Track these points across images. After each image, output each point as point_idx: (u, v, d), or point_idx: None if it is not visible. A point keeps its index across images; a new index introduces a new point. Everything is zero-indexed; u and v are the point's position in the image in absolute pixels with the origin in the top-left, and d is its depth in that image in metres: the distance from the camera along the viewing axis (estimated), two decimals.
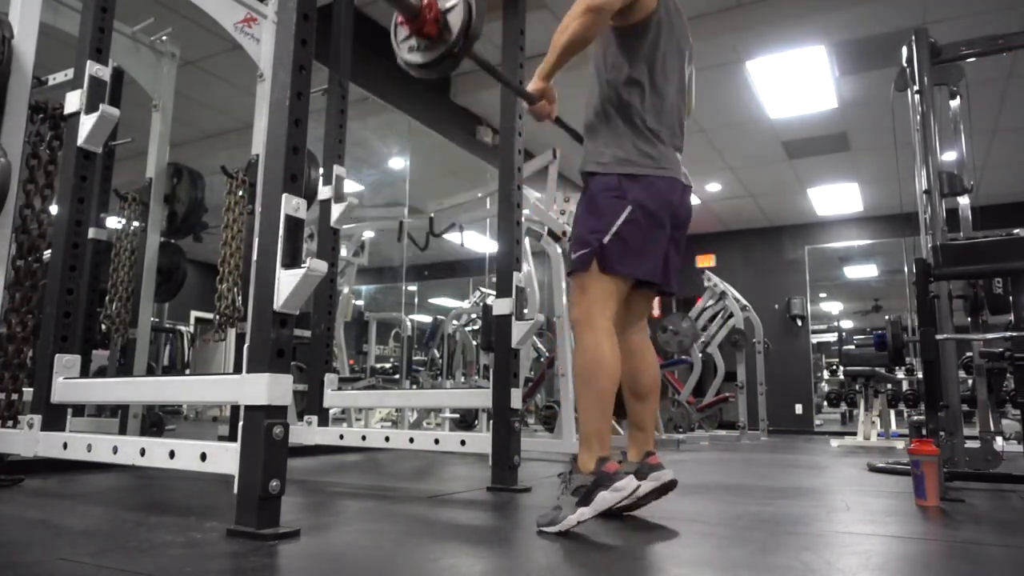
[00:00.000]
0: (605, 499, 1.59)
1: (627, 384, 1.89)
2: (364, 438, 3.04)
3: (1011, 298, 2.61)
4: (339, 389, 3.36)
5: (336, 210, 3.25)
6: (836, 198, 8.31)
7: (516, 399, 2.52)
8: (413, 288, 8.69)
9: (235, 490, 1.52)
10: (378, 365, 7.34)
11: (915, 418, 3.43)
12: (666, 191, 1.82)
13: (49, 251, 2.38)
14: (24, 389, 2.39)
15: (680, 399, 6.25)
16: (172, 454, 1.75)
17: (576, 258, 1.81)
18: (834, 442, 5.87)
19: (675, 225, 1.87)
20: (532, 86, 1.87)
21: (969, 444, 2.67)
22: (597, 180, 1.82)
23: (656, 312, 7.51)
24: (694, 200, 8.31)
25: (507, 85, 1.90)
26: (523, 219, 2.90)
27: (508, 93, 2.73)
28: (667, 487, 1.83)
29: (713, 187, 8.03)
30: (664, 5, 1.87)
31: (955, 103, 3.22)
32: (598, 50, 1.91)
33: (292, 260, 1.58)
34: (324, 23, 2.24)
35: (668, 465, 1.87)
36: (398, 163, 6.95)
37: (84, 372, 2.80)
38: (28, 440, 2.17)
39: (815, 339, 9.48)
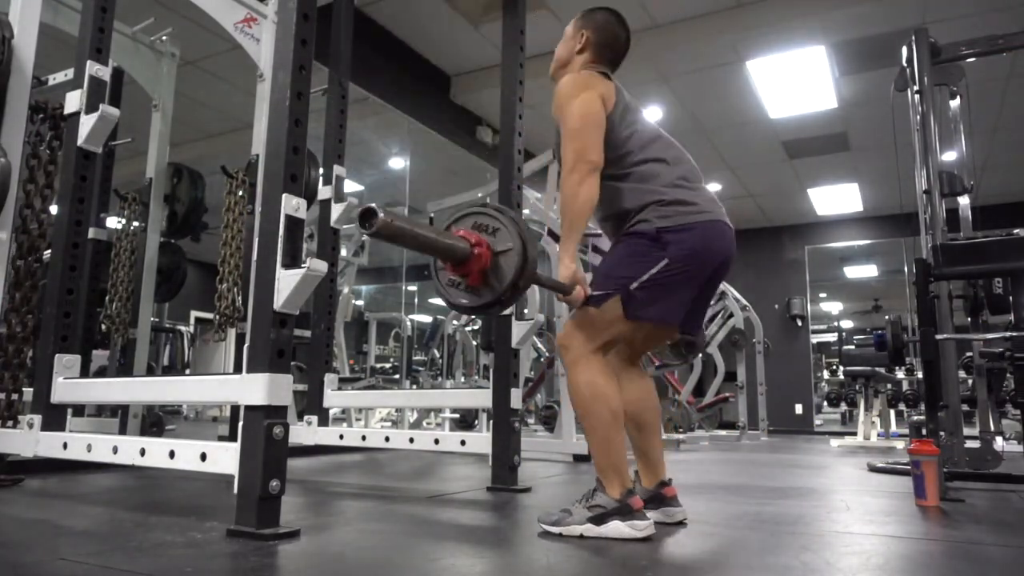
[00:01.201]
0: (618, 530, 1.56)
1: (630, 416, 1.86)
2: (364, 438, 3.04)
3: (1011, 298, 2.60)
4: (339, 389, 3.36)
5: (336, 210, 3.25)
6: (836, 198, 8.31)
7: (516, 399, 2.52)
8: (413, 288, 8.68)
9: (235, 490, 1.52)
10: (378, 365, 7.35)
11: (915, 418, 3.43)
12: (715, 238, 1.73)
13: (49, 251, 2.38)
14: (24, 389, 2.39)
15: (680, 399, 6.25)
16: (172, 454, 1.75)
17: (595, 296, 1.71)
18: (834, 442, 5.87)
19: (717, 270, 1.79)
20: (563, 273, 1.72)
21: (969, 444, 2.67)
22: (635, 234, 1.72)
23: None
24: None
25: (546, 287, 1.76)
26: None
27: (509, 92, 2.73)
28: (676, 525, 1.79)
29: (713, 187, 8.02)
30: (618, 89, 1.81)
31: (955, 103, 3.22)
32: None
33: (292, 260, 1.58)
34: (324, 23, 2.25)
35: (668, 465, 1.87)
36: (398, 163, 6.95)
37: (84, 372, 2.79)
38: (28, 440, 2.17)
39: (815, 339, 9.48)
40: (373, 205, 1.30)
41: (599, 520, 1.58)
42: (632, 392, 1.86)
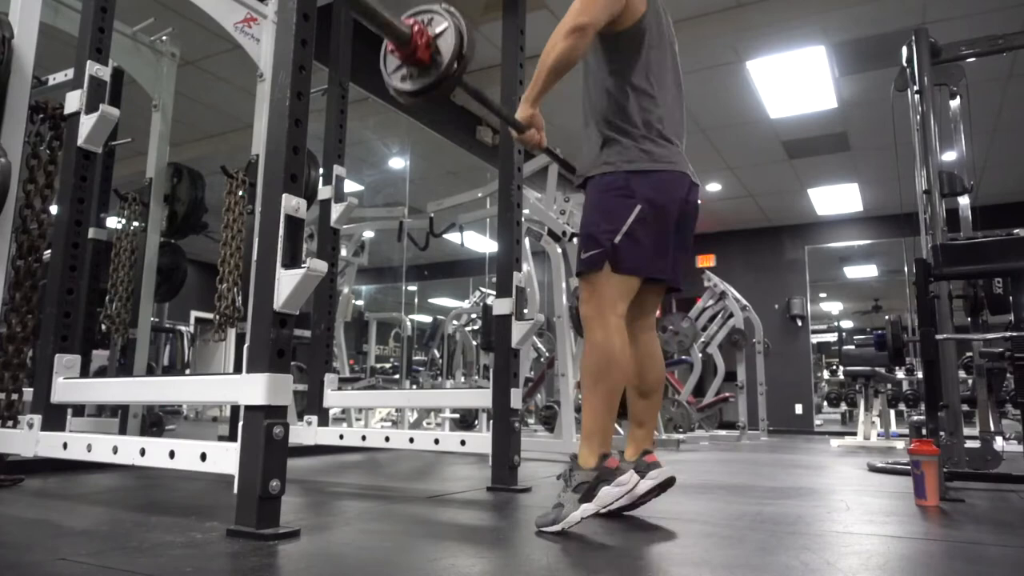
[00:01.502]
0: (609, 494, 1.60)
1: (632, 381, 1.89)
2: (364, 438, 3.04)
3: (1011, 298, 2.60)
4: (339, 389, 3.36)
5: (336, 210, 3.25)
6: (836, 198, 8.31)
7: (516, 399, 2.52)
8: (413, 288, 8.69)
9: (235, 490, 1.52)
10: (378, 365, 7.35)
11: (915, 418, 3.43)
12: (674, 186, 1.81)
13: (49, 251, 2.38)
14: (24, 389, 2.39)
15: (680, 399, 6.25)
16: (172, 454, 1.75)
17: (586, 258, 1.79)
18: (834, 442, 5.87)
19: (683, 221, 1.86)
20: (520, 113, 1.83)
21: (969, 444, 2.67)
22: (603, 179, 1.80)
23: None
24: None
25: (497, 114, 1.86)
26: (523, 219, 2.90)
27: (509, 92, 2.73)
28: (665, 484, 1.83)
29: (713, 187, 8.03)
30: (652, 8, 1.86)
31: (955, 103, 3.22)
32: (591, 59, 1.90)
33: (292, 260, 1.58)
34: (324, 23, 2.25)
35: (667, 465, 1.87)
36: (398, 163, 6.95)
37: (84, 372, 2.80)
38: (28, 440, 2.17)
39: (815, 339, 9.48)
40: None
41: (589, 495, 1.61)
42: (640, 357, 1.91)
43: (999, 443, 2.82)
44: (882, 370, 5.63)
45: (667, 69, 1.90)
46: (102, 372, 4.02)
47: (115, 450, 1.89)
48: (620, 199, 1.76)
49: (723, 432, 6.86)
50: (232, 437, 1.91)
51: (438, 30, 1.60)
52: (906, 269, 8.39)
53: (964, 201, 3.23)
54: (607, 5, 1.75)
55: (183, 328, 6.53)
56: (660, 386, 1.96)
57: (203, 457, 1.67)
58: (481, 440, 2.62)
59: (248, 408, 1.54)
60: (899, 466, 3.22)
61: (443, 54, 1.60)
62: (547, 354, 6.07)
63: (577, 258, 1.84)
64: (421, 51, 1.59)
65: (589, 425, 1.71)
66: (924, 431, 2.43)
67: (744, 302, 7.15)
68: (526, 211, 3.57)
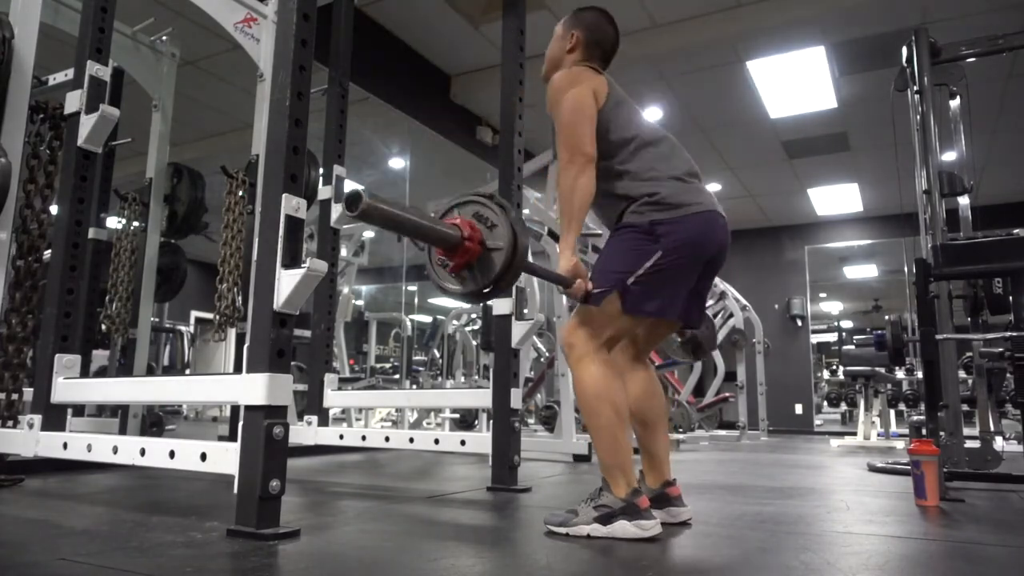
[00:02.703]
0: (624, 529, 1.56)
1: (635, 413, 1.86)
2: (364, 438, 3.04)
3: (1011, 298, 2.60)
4: (339, 389, 3.36)
5: (336, 210, 3.25)
6: (836, 198, 8.31)
7: (516, 399, 2.52)
8: (413, 288, 8.68)
9: (235, 490, 1.52)
10: (378, 365, 7.34)
11: (915, 418, 3.43)
12: (708, 228, 1.74)
13: (49, 251, 2.38)
14: (24, 389, 2.39)
15: (680, 399, 6.25)
16: (172, 454, 1.75)
17: (594, 294, 1.71)
18: (834, 442, 5.87)
19: (711, 261, 1.80)
20: (563, 266, 1.74)
21: (969, 444, 2.67)
22: (628, 227, 1.74)
23: None
24: None
25: (548, 279, 1.80)
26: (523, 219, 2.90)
27: (509, 92, 2.73)
28: (681, 524, 1.80)
29: (713, 187, 8.03)
30: (613, 84, 1.83)
31: (955, 103, 3.22)
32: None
33: (292, 260, 1.58)
34: (324, 23, 2.25)
35: (670, 466, 1.87)
36: (398, 163, 6.95)
37: (84, 372, 2.80)
38: (28, 440, 2.17)
39: (815, 339, 9.48)
40: (360, 188, 1.34)
41: (606, 520, 1.58)
42: (637, 389, 1.87)
43: (999, 443, 2.82)
44: (882, 370, 5.63)
45: (652, 127, 1.87)
46: (102, 372, 4.02)
47: (115, 450, 1.89)
48: (641, 245, 1.70)
49: (723, 432, 6.86)
50: (232, 437, 1.91)
51: (492, 244, 1.53)
52: (906, 269, 8.39)
53: (964, 201, 3.23)
54: (592, 121, 1.73)
55: (183, 328, 6.53)
56: (664, 415, 1.92)
57: (203, 457, 1.67)
58: (481, 440, 2.62)
59: (248, 408, 1.54)
60: (899, 466, 3.22)
61: (486, 274, 1.53)
62: (547, 354, 6.07)
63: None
64: (458, 266, 1.54)
65: (604, 463, 1.66)
66: (924, 431, 2.43)
67: (744, 302, 7.15)
68: (526, 211, 3.57)
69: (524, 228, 1.57)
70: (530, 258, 1.75)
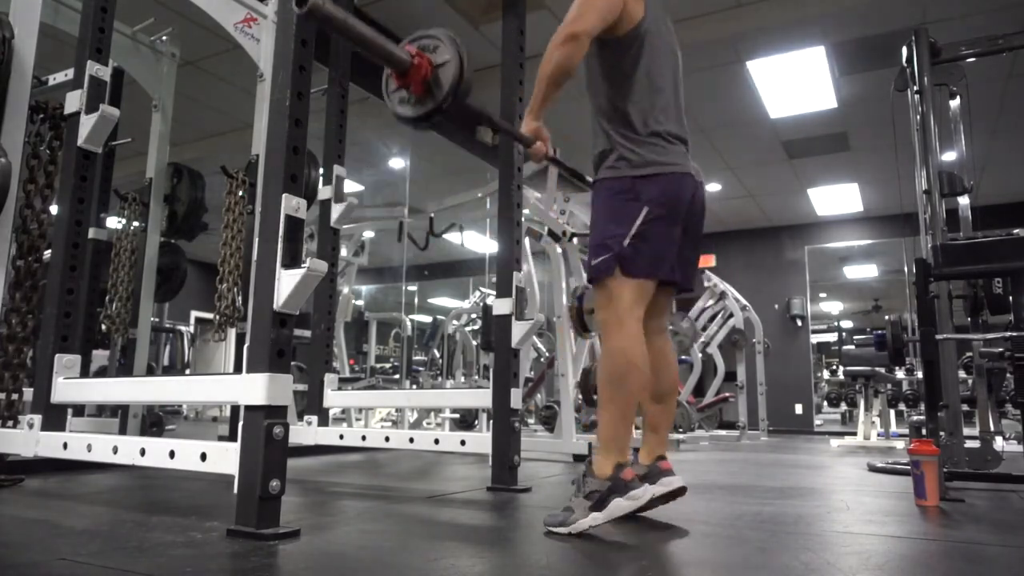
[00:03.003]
0: (620, 506, 1.58)
1: (649, 387, 1.88)
2: (364, 438, 3.04)
3: (1011, 298, 2.60)
4: (339, 389, 3.36)
5: (336, 210, 3.25)
6: (836, 198, 8.31)
7: (516, 399, 2.52)
8: (413, 288, 8.69)
9: (235, 490, 1.52)
10: (378, 365, 7.35)
11: (915, 418, 3.43)
12: (681, 188, 1.80)
13: (49, 251, 2.38)
14: (24, 389, 2.39)
15: (680, 399, 6.25)
16: (172, 454, 1.75)
17: (597, 263, 1.77)
18: (834, 442, 5.87)
19: (691, 221, 1.86)
20: (525, 127, 1.84)
21: (969, 444, 2.67)
22: (609, 184, 1.80)
23: None
24: None
25: (505, 132, 1.88)
26: (523, 219, 2.91)
27: (509, 92, 2.73)
28: (676, 493, 1.83)
29: (713, 187, 8.03)
30: (651, 14, 1.85)
31: (955, 103, 3.22)
32: (591, 64, 1.89)
33: (292, 260, 1.58)
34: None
35: (678, 472, 1.87)
36: (398, 163, 6.95)
37: (84, 372, 2.79)
38: (28, 440, 2.17)
39: (815, 339, 9.48)
40: None
41: (599, 504, 1.60)
42: (653, 361, 1.88)
43: (999, 443, 2.82)
44: (882, 370, 5.63)
45: (667, 75, 1.90)
46: (102, 372, 4.02)
47: (115, 450, 1.89)
48: (627, 203, 1.76)
49: (723, 432, 6.86)
50: (232, 437, 1.91)
51: (440, 60, 1.60)
52: (906, 269, 8.39)
53: (964, 201, 3.23)
54: (601, 13, 1.75)
55: (183, 328, 6.53)
56: (674, 390, 1.95)
57: (203, 457, 1.67)
58: (481, 440, 2.62)
59: (248, 408, 1.54)
60: (899, 466, 3.22)
61: (442, 86, 1.59)
62: (547, 354, 6.07)
63: (588, 264, 1.83)
64: (416, 85, 1.60)
65: (605, 434, 1.68)
66: (924, 431, 2.43)
67: (744, 302, 7.15)
68: (526, 211, 3.57)
69: (463, 44, 1.62)
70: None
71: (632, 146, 1.79)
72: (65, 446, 2.06)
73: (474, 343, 7.00)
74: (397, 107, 1.66)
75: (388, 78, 1.67)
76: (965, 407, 3.38)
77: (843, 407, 10.12)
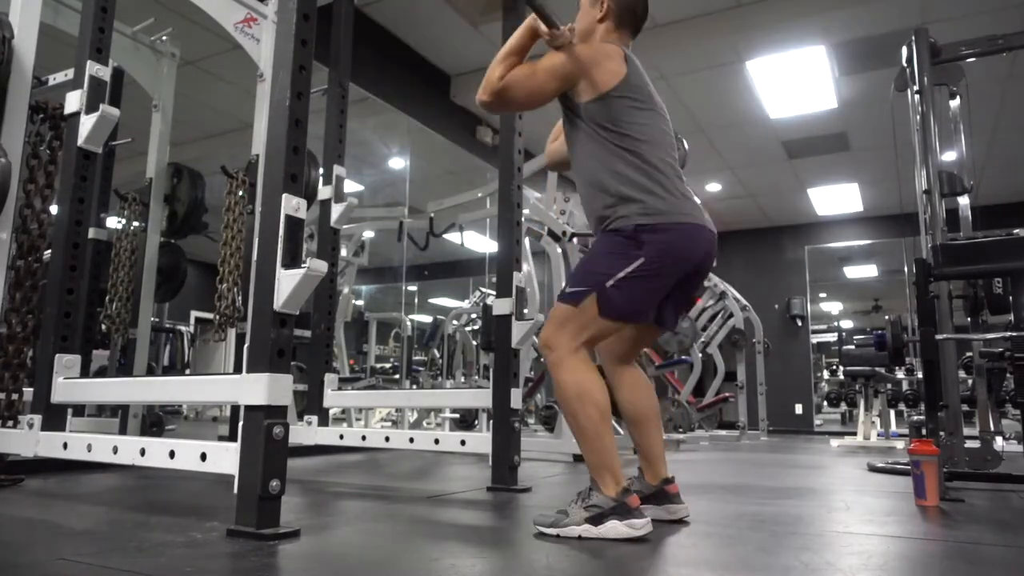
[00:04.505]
0: (616, 529, 1.55)
1: (627, 415, 1.85)
2: (364, 438, 3.04)
3: (1011, 298, 2.60)
4: (339, 389, 3.36)
5: (336, 210, 3.25)
6: (836, 198, 8.31)
7: (516, 399, 2.52)
8: (413, 288, 8.68)
9: (235, 490, 1.52)
10: (378, 365, 7.35)
11: (915, 418, 3.43)
12: (692, 241, 1.72)
13: (49, 251, 2.38)
14: (24, 389, 2.39)
15: (680, 399, 6.25)
16: (172, 454, 1.75)
17: (572, 291, 1.72)
18: (834, 442, 5.87)
19: (697, 274, 1.80)
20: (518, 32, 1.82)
21: (969, 444, 2.67)
22: (614, 232, 1.73)
23: None
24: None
25: (536, 10, 1.78)
26: (523, 219, 2.90)
27: None
28: (678, 521, 1.80)
29: (713, 187, 8.03)
30: (634, 70, 1.79)
31: (955, 103, 3.22)
32: (580, 138, 1.82)
33: (292, 260, 1.58)
34: (324, 23, 2.25)
35: (668, 465, 1.87)
36: (398, 163, 6.94)
37: (84, 372, 2.80)
38: (28, 440, 2.17)
39: (815, 339, 9.48)
40: None
41: (597, 520, 1.57)
42: (626, 390, 1.86)
43: (999, 443, 2.82)
44: (882, 370, 5.62)
45: (666, 128, 1.84)
46: (102, 372, 4.02)
47: (115, 450, 1.89)
48: (625, 249, 1.68)
49: (723, 432, 6.86)
50: (232, 437, 1.91)
51: None
52: (906, 269, 8.39)
53: (964, 201, 3.23)
54: (531, 90, 1.77)
55: (183, 328, 6.52)
56: (653, 412, 1.89)
57: (203, 457, 1.67)
58: (481, 440, 2.62)
59: (248, 408, 1.54)
60: (899, 466, 3.22)
61: None
62: None
63: (562, 290, 1.78)
64: None
65: (592, 461, 1.64)
66: (924, 431, 2.43)
67: (744, 302, 7.15)
68: (526, 211, 3.57)
69: None
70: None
71: (641, 196, 1.70)
72: (65, 446, 2.07)
73: (474, 343, 7.00)
74: None
75: None
76: (965, 407, 3.37)
77: (843, 407, 10.11)
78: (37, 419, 2.18)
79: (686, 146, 1.95)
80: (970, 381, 4.27)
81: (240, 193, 3.50)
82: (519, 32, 1.81)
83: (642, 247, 1.67)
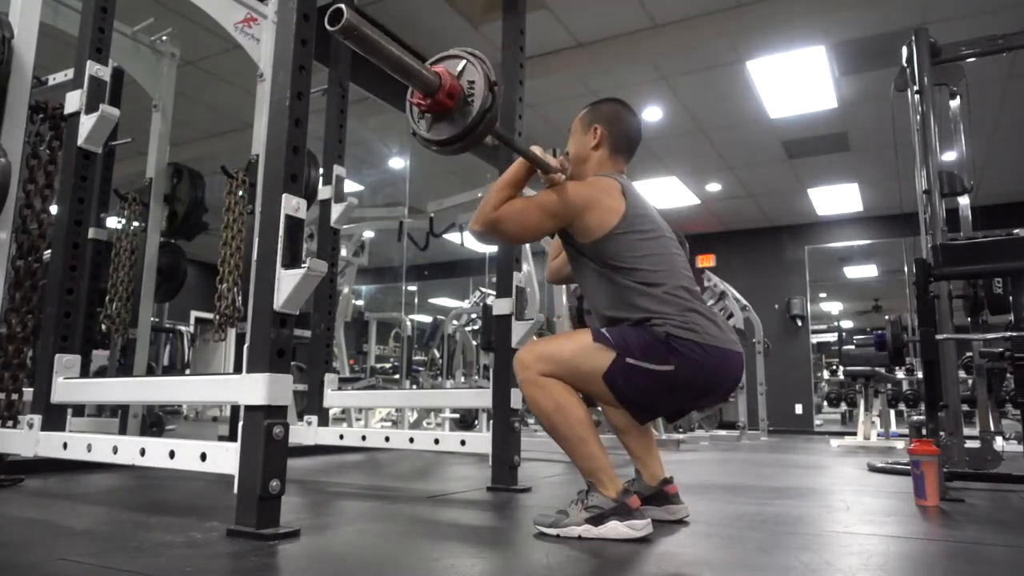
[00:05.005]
0: (616, 530, 1.55)
1: (614, 424, 1.83)
2: (364, 438, 3.04)
3: (1011, 298, 2.60)
4: (339, 389, 3.36)
5: (336, 210, 3.25)
6: (836, 198, 8.31)
7: (516, 399, 2.52)
8: (413, 288, 8.69)
9: (235, 490, 1.52)
10: (378, 365, 7.35)
11: (915, 418, 3.43)
12: (722, 366, 1.65)
13: (49, 251, 2.38)
14: (24, 389, 2.39)
15: None
16: (172, 454, 1.75)
17: (598, 332, 1.64)
18: (834, 442, 5.87)
19: (712, 397, 1.75)
20: (518, 161, 1.78)
21: (969, 444, 2.67)
22: (646, 327, 1.63)
23: None
24: (694, 201, 8.36)
25: (527, 157, 1.76)
26: None
27: (509, 92, 2.73)
28: (676, 522, 1.79)
29: (713, 187, 8.03)
30: (633, 201, 1.74)
31: (955, 103, 3.22)
32: (590, 278, 1.77)
33: (292, 260, 1.58)
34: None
35: (668, 465, 1.87)
36: (398, 163, 6.95)
37: (84, 372, 2.80)
38: (28, 440, 2.17)
39: (815, 339, 9.48)
40: (341, 5, 1.27)
41: (597, 521, 1.57)
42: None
43: (999, 443, 2.82)
44: (882, 370, 5.63)
45: (673, 253, 1.76)
46: (102, 372, 4.02)
47: (115, 450, 1.89)
48: (659, 352, 1.60)
49: (723, 432, 6.86)
50: (232, 437, 1.91)
51: (468, 79, 1.52)
52: (906, 269, 8.39)
53: (964, 201, 3.23)
54: (525, 225, 1.72)
55: (183, 328, 6.53)
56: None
57: (203, 457, 1.67)
58: (481, 440, 2.62)
59: (248, 408, 1.54)
60: (899, 466, 3.22)
61: (473, 104, 1.50)
62: None
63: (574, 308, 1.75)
64: (442, 106, 1.51)
65: (584, 467, 1.63)
66: (924, 431, 2.43)
67: (744, 302, 7.15)
68: None
69: (490, 67, 1.54)
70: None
71: (670, 318, 1.62)
72: (65, 446, 2.07)
73: (474, 343, 7.00)
74: (424, 132, 1.57)
75: (412, 95, 1.58)
76: (965, 407, 3.38)
77: (843, 407, 10.12)
78: (37, 419, 2.18)
79: (687, 246, 1.91)
80: (970, 381, 4.27)
81: (240, 193, 3.50)
82: (515, 166, 1.77)
83: (674, 356, 1.59)
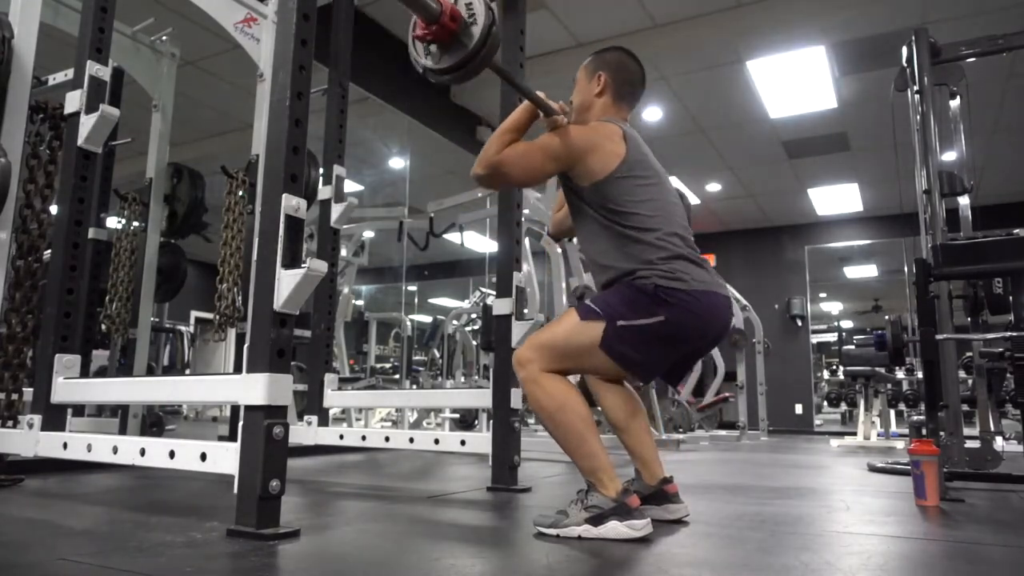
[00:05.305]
0: (616, 530, 1.54)
1: (613, 422, 1.84)
2: (364, 438, 3.04)
3: (1011, 298, 2.60)
4: (339, 389, 3.36)
5: (336, 210, 3.25)
6: (836, 198, 8.32)
7: (516, 399, 2.52)
8: (413, 288, 8.69)
9: (235, 490, 1.52)
10: (378, 365, 7.35)
11: (915, 418, 3.43)
12: (710, 308, 1.68)
13: (49, 251, 2.38)
14: (24, 389, 2.39)
15: (680, 399, 6.25)
16: (172, 454, 1.75)
17: (582, 306, 1.67)
18: (834, 442, 5.87)
19: (708, 342, 1.76)
20: (522, 106, 1.80)
21: (969, 444, 2.67)
22: (630, 283, 1.67)
23: None
24: (694, 201, 8.35)
25: (526, 95, 1.79)
26: (523, 219, 2.91)
27: (509, 92, 2.73)
28: (676, 522, 1.80)
29: (713, 187, 8.03)
30: (633, 145, 1.76)
31: (955, 103, 3.22)
32: (585, 221, 1.79)
33: (292, 260, 1.58)
34: (324, 23, 2.25)
35: (668, 465, 1.87)
36: (398, 163, 6.95)
37: (84, 372, 2.80)
38: (28, 440, 2.17)
39: (815, 339, 9.49)
40: None
41: (597, 521, 1.57)
42: (609, 398, 1.84)
43: (999, 443, 2.82)
44: (882, 370, 5.63)
45: (674, 200, 1.80)
46: (102, 372, 4.02)
47: (115, 450, 1.89)
48: (646, 303, 1.63)
49: (723, 432, 6.86)
50: (232, 437, 1.91)
51: (468, 13, 1.56)
52: (906, 269, 8.39)
53: (964, 201, 3.23)
54: (528, 168, 1.72)
55: (183, 328, 6.53)
56: (636, 417, 1.86)
57: (203, 457, 1.67)
58: (481, 440, 2.62)
59: (248, 408, 1.54)
60: (899, 466, 3.22)
61: (472, 36, 1.54)
62: None
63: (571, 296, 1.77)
64: (444, 34, 1.55)
65: (584, 466, 1.64)
66: (924, 431, 2.43)
67: (744, 302, 7.15)
68: (526, 211, 3.57)
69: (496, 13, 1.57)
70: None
71: (658, 266, 1.65)
72: (65, 446, 2.06)
73: (474, 343, 7.00)
74: (422, 58, 1.61)
75: (414, 25, 1.61)
76: (965, 407, 3.38)
77: (843, 407, 10.13)
78: (37, 419, 2.18)
79: (689, 200, 1.93)
80: (970, 381, 4.27)
81: (240, 193, 3.51)
82: (518, 111, 1.79)
83: (663, 304, 1.62)
